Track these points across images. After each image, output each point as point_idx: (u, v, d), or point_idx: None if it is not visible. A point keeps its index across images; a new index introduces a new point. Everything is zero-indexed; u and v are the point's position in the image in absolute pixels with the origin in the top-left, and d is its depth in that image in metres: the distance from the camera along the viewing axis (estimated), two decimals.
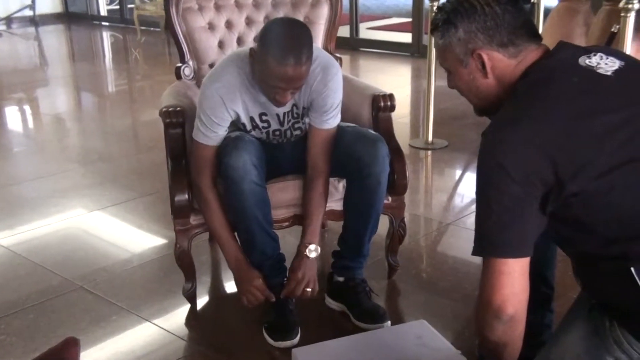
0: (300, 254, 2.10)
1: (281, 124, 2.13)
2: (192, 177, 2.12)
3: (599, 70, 1.35)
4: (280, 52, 1.84)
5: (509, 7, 1.40)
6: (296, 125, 2.16)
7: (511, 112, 1.36)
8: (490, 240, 1.35)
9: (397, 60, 6.53)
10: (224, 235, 2.11)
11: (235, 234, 2.13)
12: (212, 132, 2.04)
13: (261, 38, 1.90)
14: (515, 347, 1.42)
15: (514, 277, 1.34)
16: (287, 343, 2.07)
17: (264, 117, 2.10)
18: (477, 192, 1.37)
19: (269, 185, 2.12)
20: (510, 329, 1.38)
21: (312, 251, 2.08)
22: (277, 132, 2.15)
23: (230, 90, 2.02)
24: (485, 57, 1.42)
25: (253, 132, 2.13)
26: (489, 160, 1.34)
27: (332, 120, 2.10)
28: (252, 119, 2.10)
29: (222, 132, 2.06)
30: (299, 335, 2.10)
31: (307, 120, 2.14)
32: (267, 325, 2.14)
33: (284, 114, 2.11)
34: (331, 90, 2.06)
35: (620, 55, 1.43)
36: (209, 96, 2.02)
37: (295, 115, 2.13)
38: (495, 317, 1.36)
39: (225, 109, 2.02)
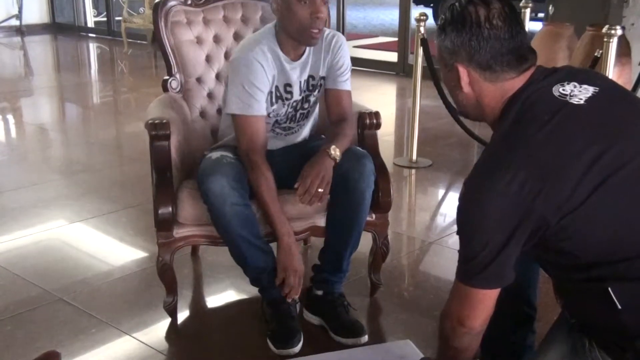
0: (322, 152, 2.10)
1: (299, 94, 2.21)
2: (243, 156, 2.10)
3: (572, 100, 1.37)
4: None
5: (500, 34, 1.39)
6: (307, 98, 2.24)
7: (493, 161, 1.38)
8: (476, 273, 1.39)
9: (383, 78, 6.57)
10: (277, 210, 2.09)
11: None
12: (256, 101, 2.09)
13: None
14: (473, 352, 1.55)
15: (492, 302, 1.44)
16: (290, 351, 2.08)
17: (288, 89, 2.17)
18: (460, 232, 1.41)
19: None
20: (476, 339, 1.52)
21: (336, 153, 2.09)
22: (295, 104, 2.22)
23: (265, 57, 2.10)
24: (462, 72, 1.43)
25: (275, 106, 2.17)
26: (472, 210, 1.37)
27: (348, 82, 2.26)
28: (277, 89, 2.16)
29: (264, 100, 2.11)
30: (301, 342, 2.10)
31: (316, 94, 2.25)
32: (270, 333, 2.14)
33: (301, 82, 2.20)
34: (344, 51, 2.23)
35: (594, 80, 1.44)
36: (248, 63, 2.09)
37: (311, 87, 2.22)
38: (466, 333, 1.49)
39: (265, 74, 2.10)
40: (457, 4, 1.43)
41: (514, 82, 1.42)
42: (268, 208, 2.09)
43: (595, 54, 3.43)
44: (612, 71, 3.29)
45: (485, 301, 1.43)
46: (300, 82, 2.20)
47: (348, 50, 2.26)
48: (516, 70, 1.42)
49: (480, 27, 1.39)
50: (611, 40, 3.26)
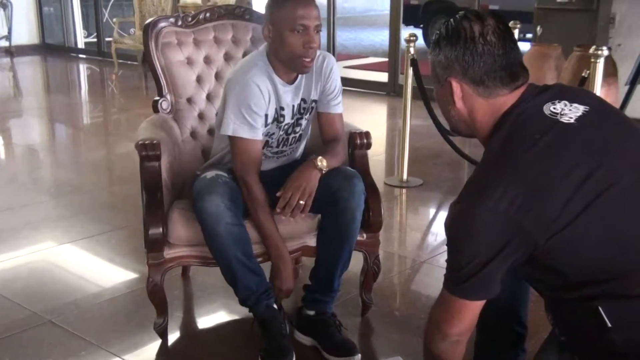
0: (308, 162, 2.12)
1: (291, 117, 2.21)
2: (238, 176, 2.12)
3: (562, 119, 1.38)
4: None
5: (493, 50, 1.40)
6: (299, 122, 2.24)
7: (484, 178, 1.39)
8: (459, 283, 1.41)
9: (374, 99, 6.60)
10: (272, 230, 2.12)
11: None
12: (252, 123, 2.09)
13: (270, 2, 2.10)
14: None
15: (475, 313, 1.45)
16: None
17: (281, 112, 2.18)
18: (449, 244, 1.42)
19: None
20: (453, 348, 1.52)
21: (322, 164, 2.10)
22: (286, 127, 2.22)
23: (262, 79, 2.10)
24: (455, 86, 1.45)
25: (268, 126, 2.17)
26: (462, 225, 1.38)
27: (340, 105, 2.28)
28: (274, 110, 2.16)
29: (260, 123, 2.11)
30: None
31: (308, 117, 2.25)
32: (263, 353, 2.12)
33: (294, 106, 2.19)
34: (335, 74, 2.24)
35: (584, 99, 1.45)
36: (245, 86, 2.08)
37: (302, 111, 2.22)
38: (441, 340, 1.50)
39: (262, 96, 2.09)
40: (452, 19, 1.45)
41: (506, 99, 1.43)
42: (263, 229, 2.11)
43: (583, 74, 3.47)
44: (599, 91, 3.32)
45: (464, 311, 1.44)
46: (293, 105, 2.21)
47: (339, 72, 2.28)
48: (508, 86, 1.43)
49: (475, 42, 1.40)
50: (598, 60, 3.30)
